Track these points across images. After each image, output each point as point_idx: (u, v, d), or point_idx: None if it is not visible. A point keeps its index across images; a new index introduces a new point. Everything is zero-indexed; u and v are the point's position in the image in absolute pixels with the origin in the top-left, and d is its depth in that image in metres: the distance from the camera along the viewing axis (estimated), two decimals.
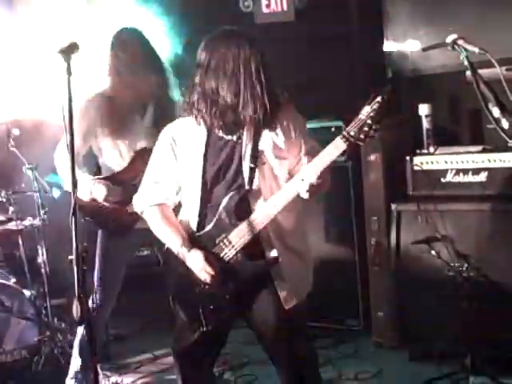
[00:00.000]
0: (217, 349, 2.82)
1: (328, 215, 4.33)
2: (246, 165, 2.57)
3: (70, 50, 2.29)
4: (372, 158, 4.07)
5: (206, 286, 2.59)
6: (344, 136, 2.40)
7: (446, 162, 3.91)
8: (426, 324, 3.88)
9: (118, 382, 4.04)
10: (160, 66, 3.50)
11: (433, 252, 3.69)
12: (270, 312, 2.62)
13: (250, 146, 2.57)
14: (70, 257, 2.22)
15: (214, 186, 2.61)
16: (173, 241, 2.62)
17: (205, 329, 2.61)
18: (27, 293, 3.97)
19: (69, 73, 2.29)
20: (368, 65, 4.50)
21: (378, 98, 2.36)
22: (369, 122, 2.37)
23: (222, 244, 2.57)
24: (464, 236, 3.77)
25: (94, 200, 3.39)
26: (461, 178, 3.87)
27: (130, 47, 3.42)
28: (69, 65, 2.29)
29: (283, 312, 2.60)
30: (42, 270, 4.09)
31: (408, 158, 3.98)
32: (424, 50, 2.60)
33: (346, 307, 4.38)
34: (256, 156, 2.56)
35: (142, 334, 4.70)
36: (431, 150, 4.01)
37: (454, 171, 3.89)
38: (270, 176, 2.59)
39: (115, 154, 3.49)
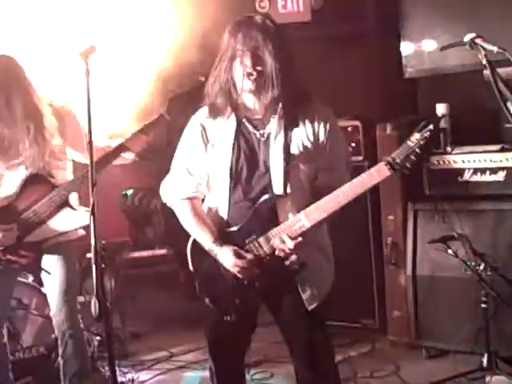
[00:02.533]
0: (245, 338, 2.78)
1: (344, 213, 4.32)
2: (276, 167, 2.51)
3: (88, 52, 2.37)
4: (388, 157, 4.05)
5: (234, 281, 2.57)
6: (389, 162, 2.29)
7: (463, 162, 3.89)
8: (443, 323, 3.88)
9: (135, 378, 4.07)
10: (28, 89, 3.28)
11: (449, 251, 3.68)
12: (292, 312, 2.61)
13: (280, 147, 2.50)
14: (88, 255, 2.25)
15: (241, 179, 2.56)
16: (204, 238, 2.59)
17: (228, 318, 2.59)
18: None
19: (87, 74, 2.35)
20: (385, 65, 4.49)
21: (430, 126, 2.25)
22: (417, 150, 2.26)
23: (251, 244, 2.53)
24: (481, 235, 3.75)
25: None
26: (478, 178, 3.86)
27: None
28: (87, 66, 2.35)
29: (305, 312, 2.59)
30: None
31: (425, 157, 3.97)
32: (442, 49, 2.59)
33: (361, 306, 4.38)
34: (288, 159, 2.49)
35: (158, 332, 4.73)
36: (448, 149, 4.00)
37: (471, 170, 3.88)
38: (300, 180, 2.54)
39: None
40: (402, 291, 4.11)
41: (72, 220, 3.26)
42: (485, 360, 3.55)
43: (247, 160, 2.55)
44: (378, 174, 2.33)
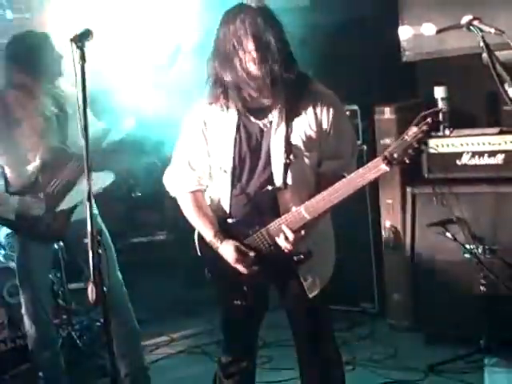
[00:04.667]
0: (257, 320, 2.78)
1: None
2: (277, 159, 2.48)
3: (83, 37, 2.31)
4: (387, 141, 4.04)
5: (239, 271, 2.56)
6: (386, 157, 2.24)
7: (461, 145, 3.88)
8: (441, 306, 3.88)
9: None
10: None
11: (448, 234, 3.68)
12: (296, 298, 2.62)
13: (281, 138, 2.46)
14: (85, 240, 2.25)
15: (244, 172, 2.53)
16: (205, 232, 2.59)
17: (239, 303, 2.60)
18: None
19: (83, 60, 2.30)
20: (383, 49, 4.46)
21: (428, 120, 2.19)
22: (415, 144, 2.19)
23: (255, 236, 2.52)
24: (480, 218, 3.75)
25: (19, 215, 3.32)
26: (477, 161, 3.85)
27: None
28: (82, 52, 2.30)
29: (307, 298, 2.59)
30: (60, 255, 4.12)
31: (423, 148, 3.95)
32: (438, 31, 2.58)
33: (361, 290, 4.39)
34: (289, 151, 2.45)
35: (158, 317, 4.74)
36: (447, 132, 3.98)
37: (469, 154, 3.87)
38: (303, 171, 2.50)
39: (21, 162, 3.37)
40: (401, 275, 4.12)
41: (96, 181, 3.30)
42: (483, 343, 3.56)
43: (250, 152, 2.52)
44: (375, 169, 2.28)
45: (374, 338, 4.19)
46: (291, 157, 2.46)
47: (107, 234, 3.48)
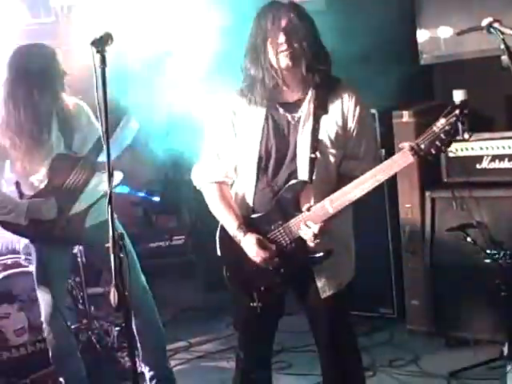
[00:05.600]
0: (272, 325, 2.78)
1: (361, 202, 4.30)
2: (303, 153, 2.50)
3: (104, 41, 2.31)
4: (405, 145, 4.01)
5: (259, 268, 2.56)
6: (413, 148, 2.26)
7: (481, 148, 3.86)
8: (462, 311, 3.86)
9: None
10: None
11: (468, 239, 3.65)
12: (314, 299, 2.62)
13: (308, 134, 2.49)
14: (106, 244, 2.25)
15: (270, 164, 2.55)
16: (229, 223, 2.59)
17: (255, 304, 2.59)
18: None
19: (103, 64, 2.31)
20: (401, 52, 4.45)
21: (456, 111, 2.20)
22: (442, 136, 2.22)
23: (277, 231, 2.53)
24: (499, 223, 3.72)
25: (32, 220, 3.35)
26: (496, 165, 3.82)
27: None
28: (103, 56, 2.31)
29: (321, 300, 2.59)
30: (78, 259, 4.14)
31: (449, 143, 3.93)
32: (458, 34, 2.58)
33: (380, 295, 4.37)
34: (315, 146, 2.48)
35: (176, 322, 4.75)
36: (466, 136, 3.94)
37: (489, 157, 3.84)
38: (327, 168, 2.52)
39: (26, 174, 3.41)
40: (421, 280, 4.09)
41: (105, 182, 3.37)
42: (505, 349, 3.51)
43: (277, 145, 2.54)
44: (401, 159, 2.31)
45: (393, 343, 4.16)
46: (317, 152, 2.48)
47: (127, 238, 3.49)
